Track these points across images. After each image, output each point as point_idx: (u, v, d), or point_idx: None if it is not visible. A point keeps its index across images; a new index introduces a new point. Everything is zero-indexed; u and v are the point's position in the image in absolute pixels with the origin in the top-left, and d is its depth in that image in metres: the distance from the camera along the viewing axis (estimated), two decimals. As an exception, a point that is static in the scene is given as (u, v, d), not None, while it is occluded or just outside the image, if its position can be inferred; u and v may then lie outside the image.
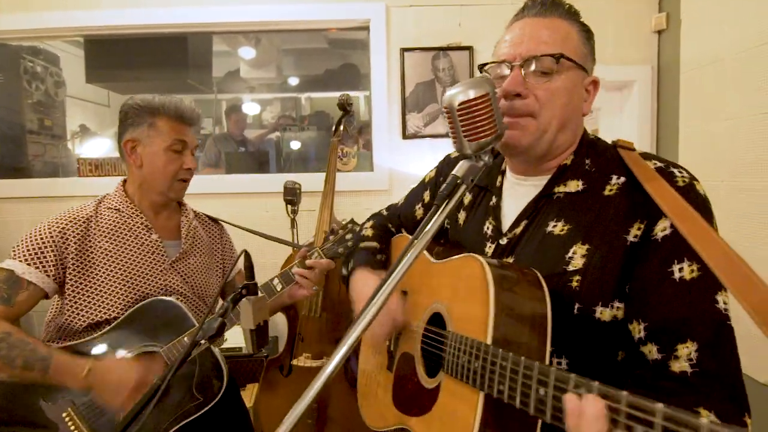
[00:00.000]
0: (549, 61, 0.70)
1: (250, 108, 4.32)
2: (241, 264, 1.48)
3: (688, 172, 0.68)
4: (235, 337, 2.15)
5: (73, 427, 1.02)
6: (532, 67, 0.71)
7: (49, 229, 1.10)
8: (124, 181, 1.25)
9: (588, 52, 0.76)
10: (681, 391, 0.57)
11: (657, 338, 0.61)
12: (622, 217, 0.67)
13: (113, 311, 1.10)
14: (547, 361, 0.62)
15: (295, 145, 3.77)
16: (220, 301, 1.23)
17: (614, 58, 2.32)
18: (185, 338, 1.09)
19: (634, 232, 0.65)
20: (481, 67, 0.81)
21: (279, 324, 2.28)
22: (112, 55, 2.57)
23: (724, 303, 0.62)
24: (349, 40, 3.48)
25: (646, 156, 0.72)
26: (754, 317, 0.48)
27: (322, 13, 2.27)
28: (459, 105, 0.63)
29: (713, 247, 0.55)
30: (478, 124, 0.64)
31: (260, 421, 1.88)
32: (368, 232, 1.06)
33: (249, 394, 2.00)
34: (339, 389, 1.80)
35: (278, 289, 1.21)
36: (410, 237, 0.90)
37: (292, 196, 2.15)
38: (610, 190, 0.71)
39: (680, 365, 0.58)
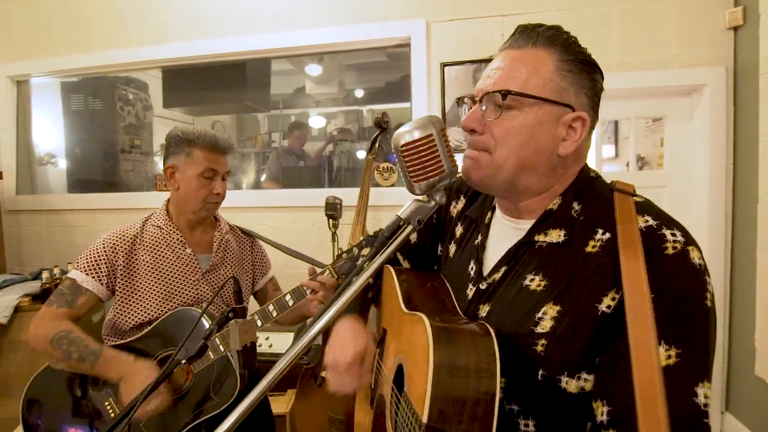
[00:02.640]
0: (498, 98, 0.66)
1: (316, 122, 4.56)
2: (271, 274, 1.60)
3: (684, 235, 0.60)
4: (279, 343, 2.29)
5: (112, 413, 1.22)
6: (490, 103, 0.68)
7: (103, 245, 1.30)
8: (168, 201, 1.41)
9: (570, 85, 0.67)
10: None
11: (619, 427, 0.55)
12: (597, 282, 0.61)
13: (153, 314, 1.28)
14: None
15: (350, 157, 3.90)
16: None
17: (680, 59, 2.10)
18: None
19: (607, 302, 0.60)
20: (458, 100, 0.78)
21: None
22: (184, 83, 2.88)
23: (705, 397, 0.54)
24: (408, 53, 3.56)
25: (643, 208, 0.64)
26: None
27: (363, 34, 2.35)
28: (402, 146, 0.63)
29: (643, 357, 0.52)
30: (425, 164, 0.63)
31: (295, 425, 1.97)
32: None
33: (287, 400, 2.10)
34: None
35: (290, 304, 1.29)
36: (390, 268, 0.91)
37: (333, 211, 2.23)
38: (593, 246, 0.64)
39: None
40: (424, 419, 0.57)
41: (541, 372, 0.62)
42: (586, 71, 0.68)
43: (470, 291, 0.76)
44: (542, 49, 0.68)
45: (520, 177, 0.69)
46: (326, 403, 1.89)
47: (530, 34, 0.69)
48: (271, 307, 1.30)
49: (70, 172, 3.25)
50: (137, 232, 1.34)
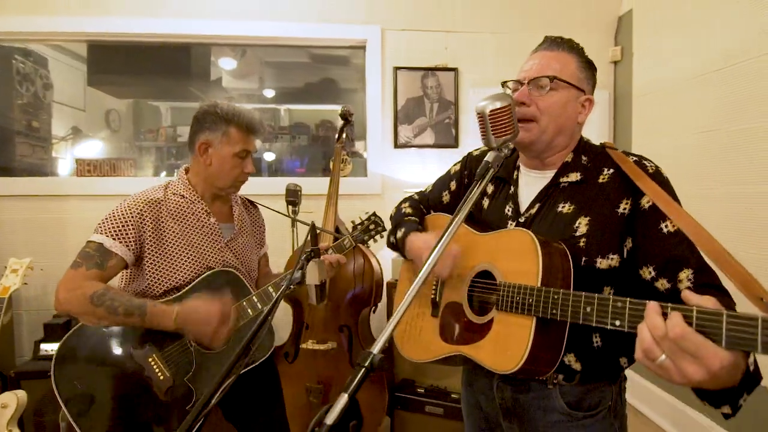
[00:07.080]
0: (546, 81, 0.96)
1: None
2: (266, 248, 1.64)
3: (653, 163, 0.97)
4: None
5: (156, 369, 1.22)
6: (536, 84, 0.97)
7: (129, 210, 1.25)
8: (186, 170, 1.40)
9: (585, 77, 1.00)
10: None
11: (664, 273, 0.85)
12: (613, 197, 0.93)
13: (183, 279, 1.29)
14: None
15: (273, 154, 3.93)
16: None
17: (577, 83, 2.67)
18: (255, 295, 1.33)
19: (623, 206, 0.91)
20: (503, 83, 1.06)
21: (279, 317, 2.42)
22: (115, 61, 2.66)
23: None
24: (331, 56, 3.70)
25: (626, 153, 1.00)
26: (714, 263, 0.76)
27: (324, 33, 2.50)
28: (490, 112, 0.86)
29: (683, 218, 0.83)
30: (504, 125, 0.87)
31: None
32: (408, 210, 1.27)
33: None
34: (344, 371, 1.96)
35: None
36: (442, 215, 1.15)
37: (293, 197, 2.31)
38: (603, 178, 0.96)
39: (684, 286, 0.82)
40: (539, 284, 0.85)
41: (584, 259, 0.91)
42: (591, 69, 1.03)
43: (511, 225, 1.04)
44: (568, 53, 1.00)
45: (556, 138, 0.99)
46: (301, 376, 1.97)
47: (559, 43, 1.01)
48: (270, 289, 1.35)
49: (-54, 153, 2.72)
50: (161, 198, 1.31)
